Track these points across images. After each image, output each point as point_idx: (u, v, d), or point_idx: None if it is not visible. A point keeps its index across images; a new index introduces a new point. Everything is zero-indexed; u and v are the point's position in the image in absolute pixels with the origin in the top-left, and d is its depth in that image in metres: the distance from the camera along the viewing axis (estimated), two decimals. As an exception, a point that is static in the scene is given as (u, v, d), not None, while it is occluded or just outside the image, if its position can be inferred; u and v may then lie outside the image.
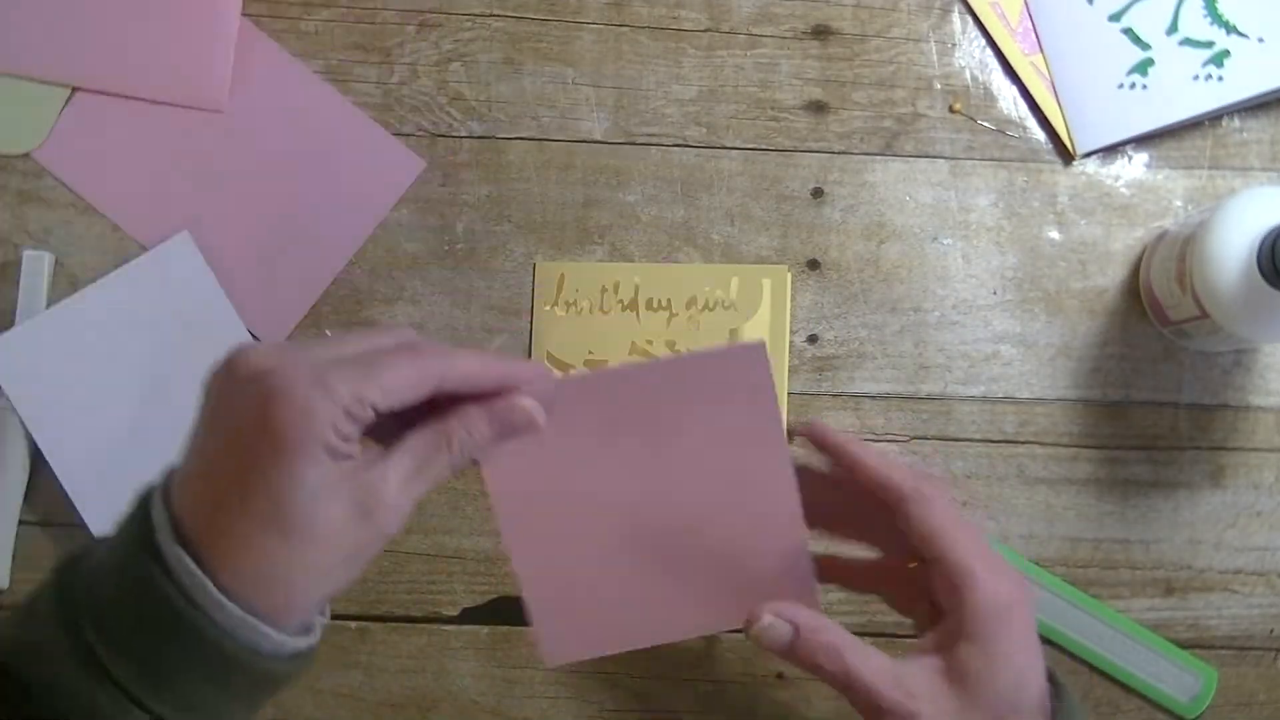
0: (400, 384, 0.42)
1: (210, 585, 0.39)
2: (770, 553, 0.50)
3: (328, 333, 0.62)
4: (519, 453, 0.46)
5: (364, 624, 0.63)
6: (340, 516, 0.41)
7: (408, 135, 0.65)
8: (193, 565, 0.39)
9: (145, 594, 0.39)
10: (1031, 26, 0.66)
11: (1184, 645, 0.63)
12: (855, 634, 0.63)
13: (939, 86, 0.66)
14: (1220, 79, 0.65)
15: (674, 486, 0.50)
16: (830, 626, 0.48)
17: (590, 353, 0.64)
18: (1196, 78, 0.65)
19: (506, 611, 0.63)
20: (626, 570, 0.51)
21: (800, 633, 0.47)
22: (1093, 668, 0.63)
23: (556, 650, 0.50)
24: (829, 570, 0.52)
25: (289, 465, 0.40)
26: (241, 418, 0.40)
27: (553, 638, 0.50)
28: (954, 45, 0.67)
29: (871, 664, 0.47)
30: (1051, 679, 0.47)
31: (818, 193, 0.66)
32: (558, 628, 0.50)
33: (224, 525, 0.40)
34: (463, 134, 0.66)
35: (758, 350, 0.48)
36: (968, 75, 0.66)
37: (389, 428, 0.43)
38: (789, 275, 0.64)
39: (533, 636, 0.49)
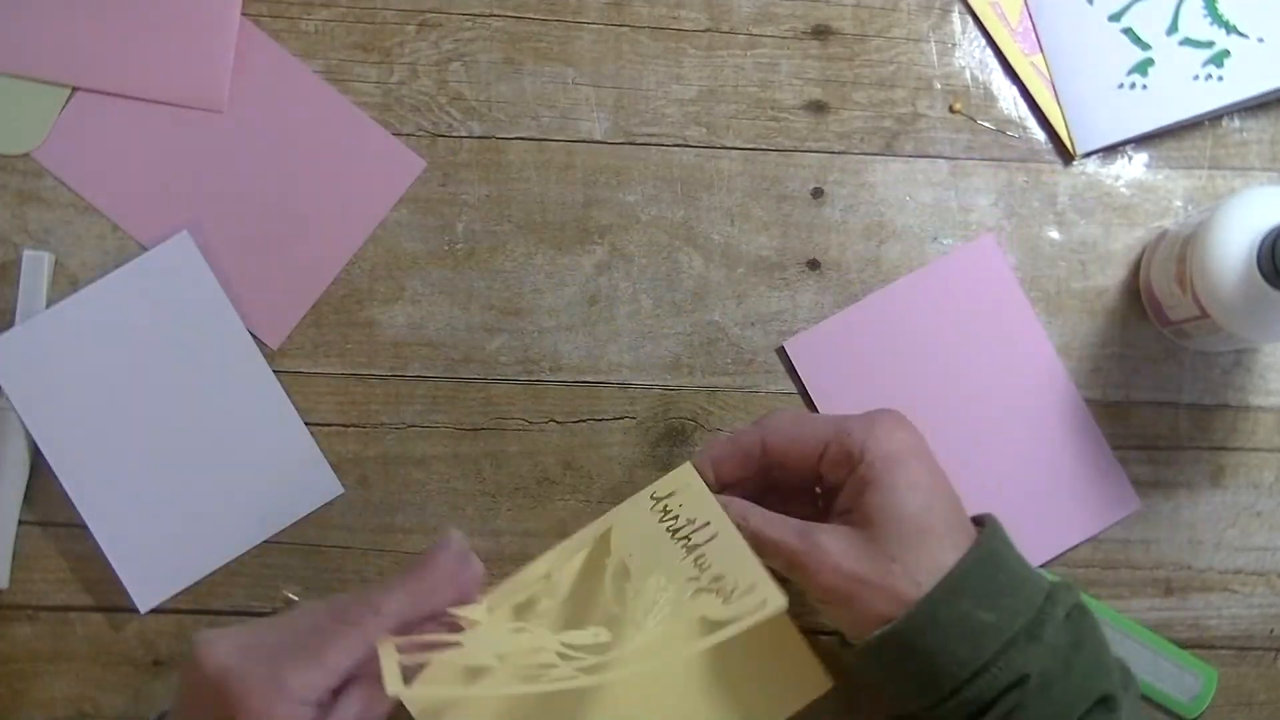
0: (344, 661, 0.46)
1: None
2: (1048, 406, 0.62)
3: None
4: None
5: (364, 624, 0.63)
6: None
7: (408, 135, 0.65)
8: None
9: None
10: (1031, 26, 0.66)
11: (1184, 645, 0.63)
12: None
13: (939, 86, 0.66)
14: (1220, 79, 0.65)
15: (957, 377, 0.61)
16: (741, 501, 0.53)
17: None
18: (1196, 78, 0.65)
19: (506, 611, 0.63)
20: None
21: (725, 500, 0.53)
22: (1093, 668, 0.63)
23: None
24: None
25: None
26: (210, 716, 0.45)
27: None
28: (954, 45, 0.67)
29: (774, 523, 0.52)
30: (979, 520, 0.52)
31: (818, 193, 0.66)
32: None
33: None
34: (463, 134, 0.66)
35: (988, 240, 0.61)
36: (968, 75, 0.66)
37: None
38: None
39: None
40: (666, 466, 0.62)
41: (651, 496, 0.55)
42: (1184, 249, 0.59)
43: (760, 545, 0.51)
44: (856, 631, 0.51)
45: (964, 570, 0.49)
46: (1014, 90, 0.66)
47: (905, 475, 0.51)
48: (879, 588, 0.49)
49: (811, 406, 0.64)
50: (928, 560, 0.49)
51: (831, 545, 0.50)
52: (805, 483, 0.55)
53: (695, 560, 0.52)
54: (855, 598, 0.50)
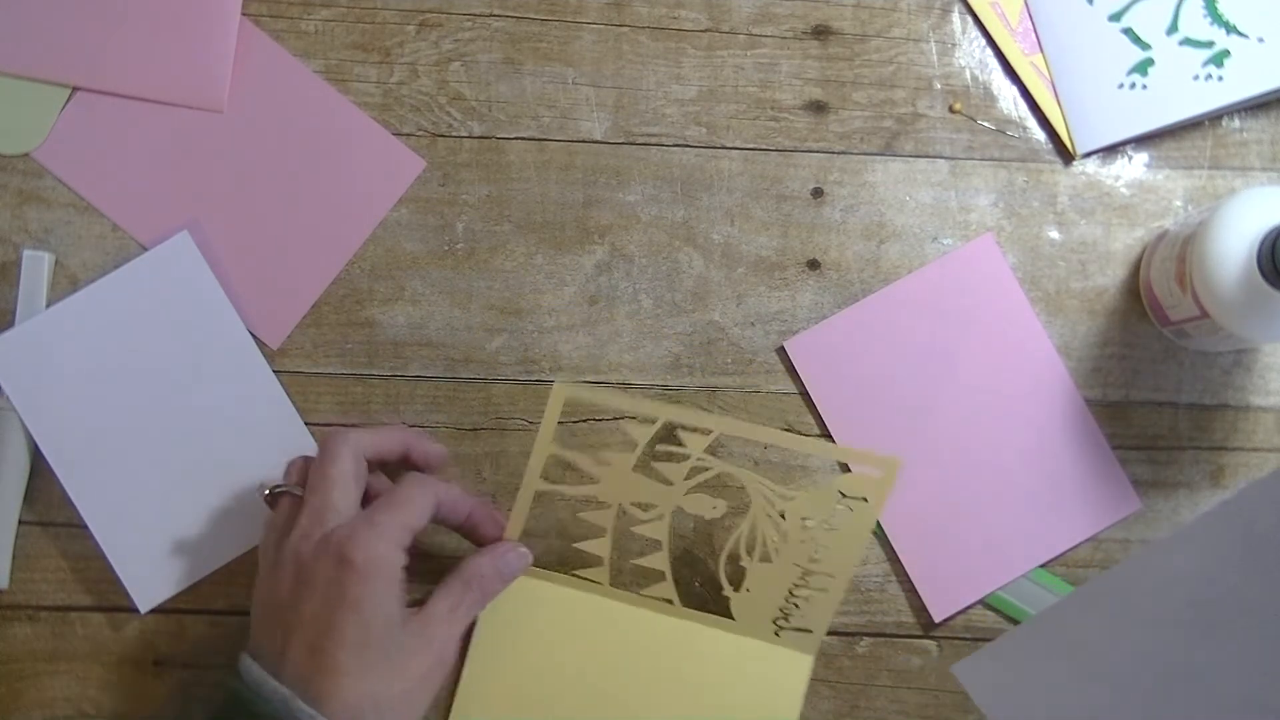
0: (424, 510, 0.55)
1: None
2: (1054, 412, 0.63)
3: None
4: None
5: (364, 624, 0.63)
6: (410, 642, 0.52)
7: (408, 135, 0.65)
8: (302, 704, 0.49)
9: None
10: (1031, 26, 0.66)
11: (1184, 645, 0.63)
12: (855, 634, 0.63)
13: (939, 86, 0.66)
14: (1220, 79, 0.65)
15: (957, 377, 0.63)
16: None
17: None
18: (1196, 78, 0.65)
19: (506, 611, 0.63)
20: (963, 491, 0.63)
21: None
22: (1093, 668, 0.63)
23: (942, 608, 0.62)
24: None
25: (372, 598, 0.51)
26: (324, 575, 0.51)
27: (935, 595, 0.63)
28: (954, 45, 0.67)
29: None
30: None
31: (818, 193, 0.66)
32: (935, 583, 0.62)
33: (322, 662, 0.50)
34: (463, 134, 0.66)
35: (988, 240, 0.62)
36: (968, 75, 0.66)
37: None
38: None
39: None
40: (665, 466, 0.62)
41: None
42: (1184, 249, 0.59)
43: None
44: None
45: None
46: (1014, 90, 0.66)
47: None
48: None
49: (811, 406, 0.64)
50: None
51: None
52: None
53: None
54: None
